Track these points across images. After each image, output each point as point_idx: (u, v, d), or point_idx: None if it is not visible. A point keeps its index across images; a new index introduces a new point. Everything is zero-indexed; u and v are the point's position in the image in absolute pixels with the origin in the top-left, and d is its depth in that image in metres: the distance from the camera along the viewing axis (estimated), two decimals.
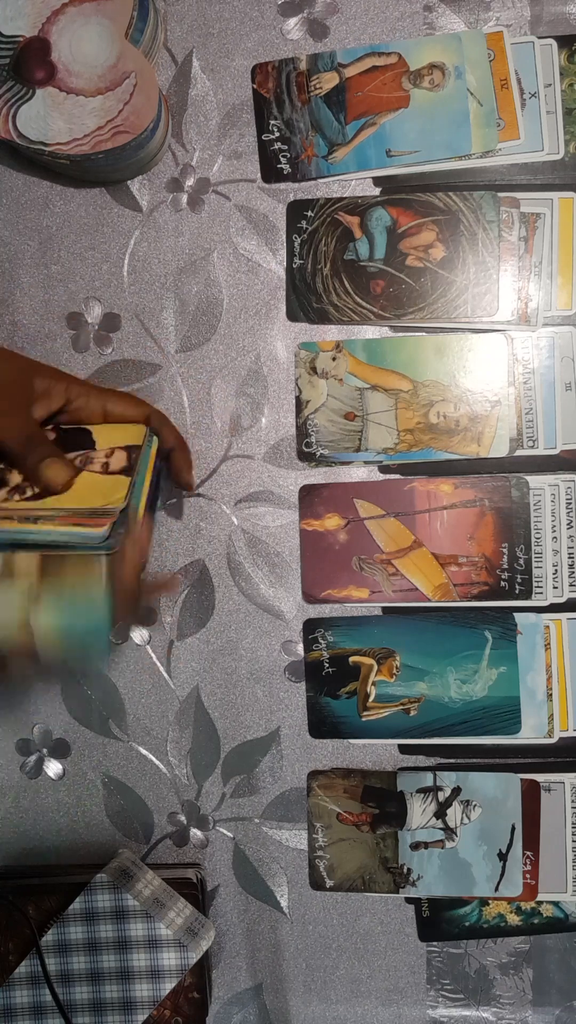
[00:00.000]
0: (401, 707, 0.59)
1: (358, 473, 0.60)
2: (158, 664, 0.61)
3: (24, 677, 0.51)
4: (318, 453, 0.59)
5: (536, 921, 0.59)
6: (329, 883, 0.60)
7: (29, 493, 0.47)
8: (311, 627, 0.60)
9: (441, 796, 0.59)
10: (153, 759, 0.61)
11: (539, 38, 0.57)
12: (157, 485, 0.56)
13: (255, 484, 0.60)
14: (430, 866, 0.59)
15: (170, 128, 0.60)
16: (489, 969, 0.60)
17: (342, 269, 0.59)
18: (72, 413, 0.51)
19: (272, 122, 0.59)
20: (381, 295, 0.59)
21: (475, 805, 0.59)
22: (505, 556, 0.58)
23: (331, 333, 0.60)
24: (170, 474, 0.56)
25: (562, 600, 0.58)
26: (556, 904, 0.59)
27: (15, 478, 0.48)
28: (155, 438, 0.54)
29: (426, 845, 0.59)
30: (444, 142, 0.58)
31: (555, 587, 0.58)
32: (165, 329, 0.60)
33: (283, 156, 0.59)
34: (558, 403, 0.58)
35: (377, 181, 0.59)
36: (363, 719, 0.59)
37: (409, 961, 0.60)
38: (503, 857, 0.58)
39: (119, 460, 0.49)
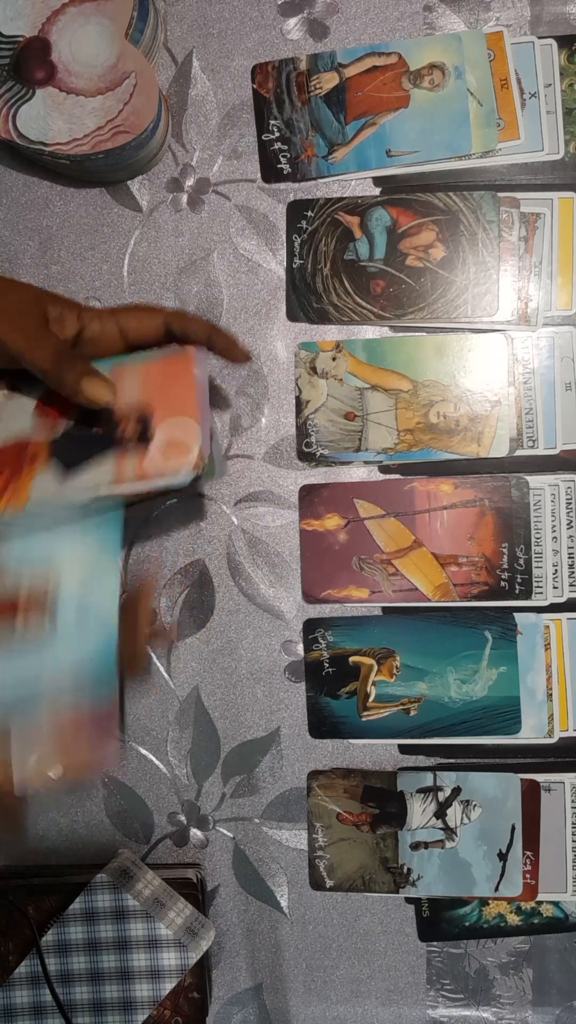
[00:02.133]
0: (401, 707, 0.59)
1: (358, 473, 0.60)
2: (158, 664, 0.61)
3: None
4: (318, 453, 0.59)
5: (536, 921, 0.59)
6: (329, 883, 0.60)
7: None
8: (311, 627, 0.60)
9: (441, 796, 0.59)
10: (153, 759, 0.61)
11: (539, 38, 0.57)
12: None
13: (255, 484, 0.60)
14: (430, 866, 0.59)
15: (170, 128, 0.60)
16: (489, 969, 0.60)
17: (342, 269, 0.59)
18: (89, 342, 0.48)
19: (272, 122, 0.59)
20: (381, 295, 0.59)
21: (475, 805, 0.59)
22: (505, 556, 0.58)
23: (331, 333, 0.60)
24: (222, 359, 0.51)
25: (562, 600, 0.58)
26: (556, 904, 0.59)
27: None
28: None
29: (426, 845, 0.59)
30: (444, 142, 0.58)
31: (555, 587, 0.58)
32: None
33: (283, 156, 0.59)
34: (558, 403, 0.58)
35: (377, 181, 0.59)
36: (363, 719, 0.59)
37: (409, 961, 0.60)
38: (503, 857, 0.58)
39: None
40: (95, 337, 0.48)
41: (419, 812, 0.59)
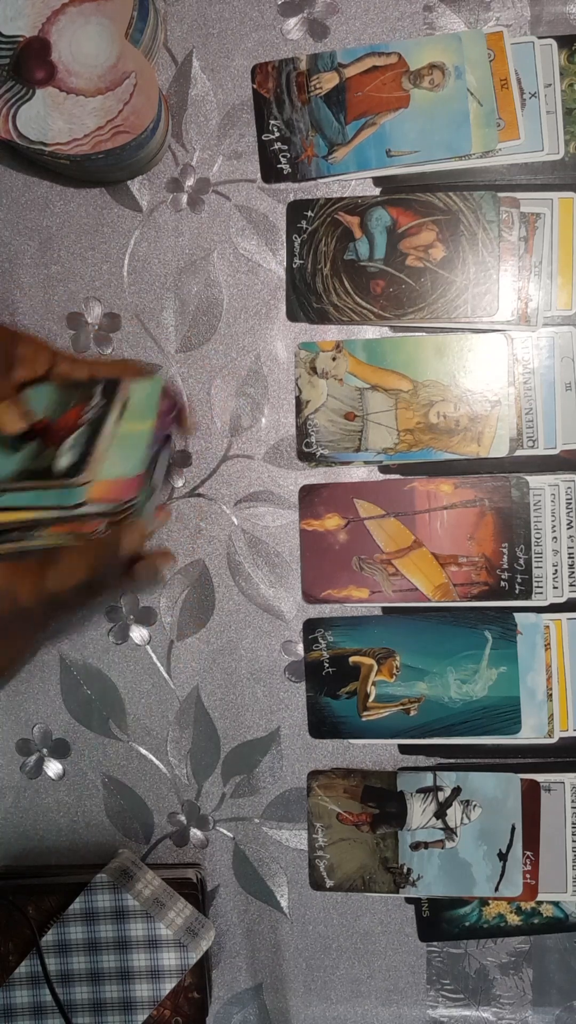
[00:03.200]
0: (401, 707, 0.59)
1: (358, 473, 0.60)
2: (158, 664, 0.61)
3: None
4: (318, 453, 0.59)
5: (536, 921, 0.59)
6: (329, 883, 0.60)
7: None
8: (311, 627, 0.60)
9: (441, 796, 0.59)
10: (153, 759, 0.61)
11: (539, 38, 0.57)
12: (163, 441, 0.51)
13: (255, 484, 0.60)
14: (430, 866, 0.59)
15: (170, 128, 0.60)
16: (489, 969, 0.60)
17: (342, 269, 0.59)
18: (56, 377, 0.48)
19: (272, 122, 0.59)
20: (381, 295, 0.59)
21: (475, 805, 0.59)
22: (505, 556, 0.58)
23: (331, 333, 0.60)
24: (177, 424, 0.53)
25: (562, 600, 0.58)
26: (556, 904, 0.59)
27: None
28: (156, 385, 0.49)
29: (426, 845, 0.59)
30: (444, 142, 0.58)
31: (555, 587, 0.58)
32: (165, 329, 0.60)
33: (283, 156, 0.59)
34: (558, 403, 0.58)
35: (377, 181, 0.59)
36: (363, 719, 0.59)
37: (409, 961, 0.60)
38: (503, 857, 0.58)
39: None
40: (61, 376, 0.48)
41: (419, 812, 0.59)
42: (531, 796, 0.58)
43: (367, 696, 0.59)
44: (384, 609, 0.60)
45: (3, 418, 0.45)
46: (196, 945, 0.56)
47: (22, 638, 0.48)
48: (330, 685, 0.60)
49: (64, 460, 0.44)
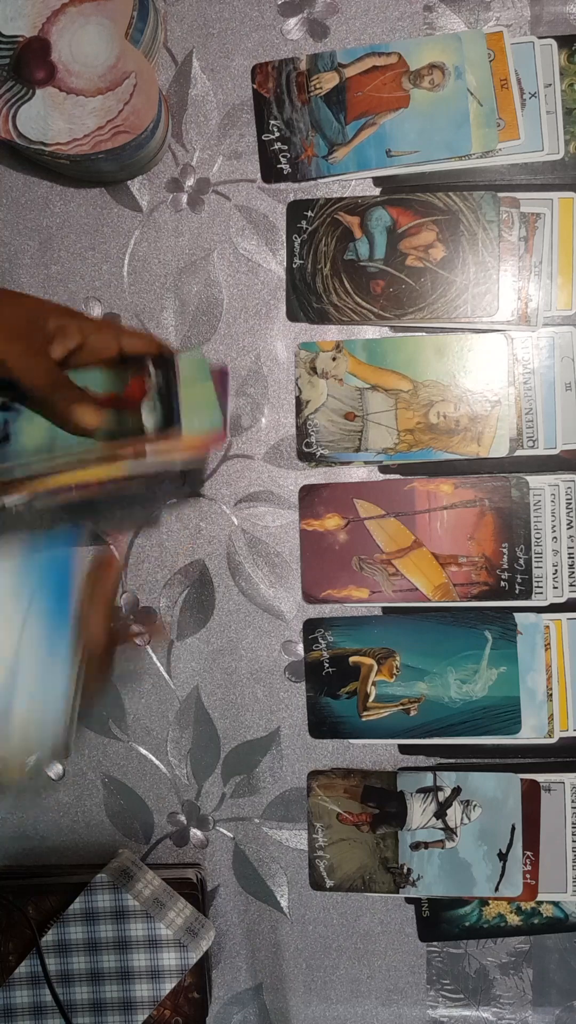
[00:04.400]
0: (401, 707, 0.59)
1: (358, 473, 0.60)
2: (158, 664, 0.61)
3: None
4: (318, 453, 0.59)
5: (536, 921, 0.59)
6: (329, 883, 0.60)
7: None
8: (311, 627, 0.60)
9: (441, 796, 0.59)
10: (153, 759, 0.61)
11: (539, 38, 0.57)
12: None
13: (255, 484, 0.60)
14: (430, 866, 0.59)
15: (170, 128, 0.60)
16: (489, 969, 0.60)
17: (342, 269, 0.59)
18: (88, 351, 0.49)
19: (272, 122, 0.59)
20: (381, 295, 0.59)
21: (475, 805, 0.59)
22: (505, 556, 0.58)
23: (331, 333, 0.60)
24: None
25: (562, 600, 0.58)
26: (556, 904, 0.59)
27: None
28: (199, 352, 0.51)
29: (426, 845, 0.59)
30: (444, 142, 0.58)
31: (555, 587, 0.58)
32: (165, 329, 0.60)
33: (283, 156, 0.59)
34: (558, 403, 0.58)
35: (377, 181, 0.59)
36: (363, 719, 0.59)
37: (409, 961, 0.60)
38: (503, 857, 0.58)
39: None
40: (94, 345, 0.48)
41: (419, 812, 0.59)
42: (531, 796, 0.58)
43: (367, 696, 0.59)
44: (384, 609, 0.60)
45: (84, 418, 0.46)
46: (196, 945, 0.56)
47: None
48: (330, 685, 0.60)
49: (150, 421, 0.48)
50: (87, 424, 0.46)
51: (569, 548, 0.58)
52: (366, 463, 0.59)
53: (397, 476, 0.59)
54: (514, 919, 0.59)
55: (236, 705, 0.60)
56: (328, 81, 0.59)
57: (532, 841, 0.58)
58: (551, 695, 0.58)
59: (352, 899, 0.60)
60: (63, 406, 0.46)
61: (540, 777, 0.58)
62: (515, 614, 0.58)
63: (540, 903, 0.59)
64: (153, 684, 0.61)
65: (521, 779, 0.58)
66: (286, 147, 0.59)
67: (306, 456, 0.60)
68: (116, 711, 0.61)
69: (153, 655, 0.61)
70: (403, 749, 0.60)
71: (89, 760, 0.61)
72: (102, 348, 0.49)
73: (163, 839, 0.61)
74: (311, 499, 0.60)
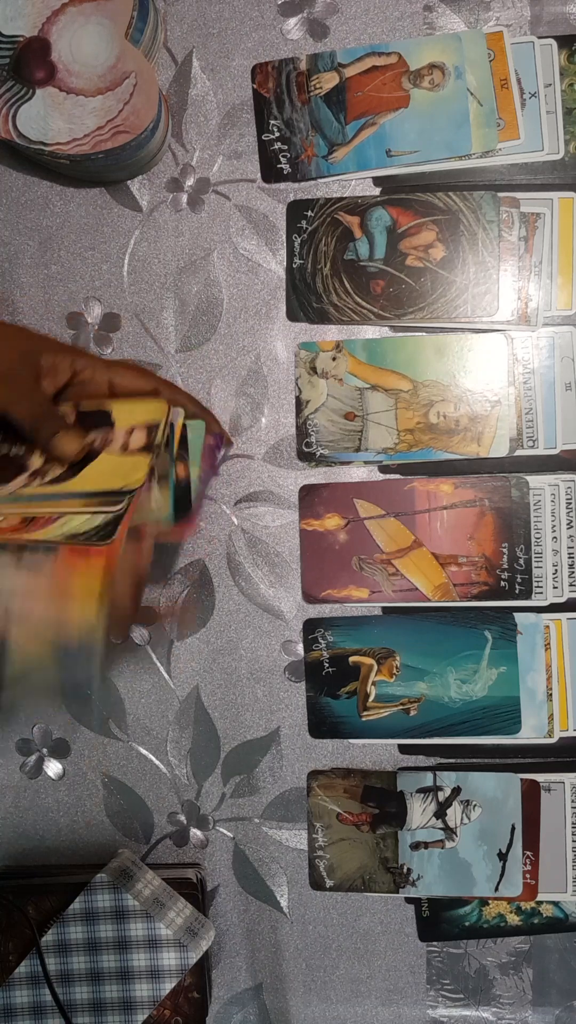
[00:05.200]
0: (401, 707, 0.59)
1: (358, 473, 0.60)
2: (158, 664, 0.61)
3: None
4: (318, 453, 0.59)
5: (536, 921, 0.59)
6: (329, 883, 0.60)
7: (50, 477, 0.47)
8: (311, 627, 0.60)
9: (441, 796, 0.59)
10: (153, 759, 0.61)
11: (539, 38, 0.57)
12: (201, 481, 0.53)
13: (255, 484, 0.60)
14: (430, 866, 0.59)
15: (170, 128, 0.60)
16: (489, 969, 0.60)
17: (342, 269, 0.59)
18: (79, 387, 0.50)
19: (272, 122, 0.59)
20: (381, 295, 0.59)
21: (475, 805, 0.59)
22: (505, 556, 0.58)
23: (331, 333, 0.60)
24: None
25: (562, 600, 0.58)
26: (556, 904, 0.59)
27: (35, 462, 0.47)
28: (201, 422, 0.51)
29: (426, 845, 0.59)
30: (444, 142, 0.58)
31: (555, 587, 0.58)
32: (165, 329, 0.60)
33: (283, 156, 0.59)
34: (558, 403, 0.58)
35: (377, 181, 0.59)
36: (363, 719, 0.59)
37: (409, 961, 0.60)
38: (503, 857, 0.58)
39: (139, 439, 0.48)
40: (84, 382, 0.49)
41: (419, 812, 0.59)
42: (531, 796, 0.58)
43: (367, 696, 0.59)
44: (384, 609, 0.60)
45: (64, 446, 0.47)
46: (196, 945, 0.56)
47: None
48: (330, 685, 0.60)
49: (160, 505, 0.48)
50: (66, 452, 0.47)
51: (569, 548, 0.58)
52: (366, 463, 0.59)
53: (397, 476, 0.59)
54: (514, 919, 0.59)
55: (236, 705, 0.60)
56: (328, 81, 0.59)
57: (532, 841, 0.58)
58: (551, 695, 0.58)
59: (352, 899, 0.60)
60: (46, 435, 0.47)
61: (540, 777, 0.58)
62: (515, 614, 0.58)
63: (540, 903, 0.59)
64: (153, 684, 0.61)
65: (521, 779, 0.58)
66: (286, 147, 0.59)
67: (306, 456, 0.60)
68: (116, 711, 0.61)
69: (153, 655, 0.61)
70: (403, 749, 0.60)
71: (89, 760, 0.61)
72: (92, 384, 0.50)
73: (163, 839, 0.61)
74: (311, 499, 0.60)
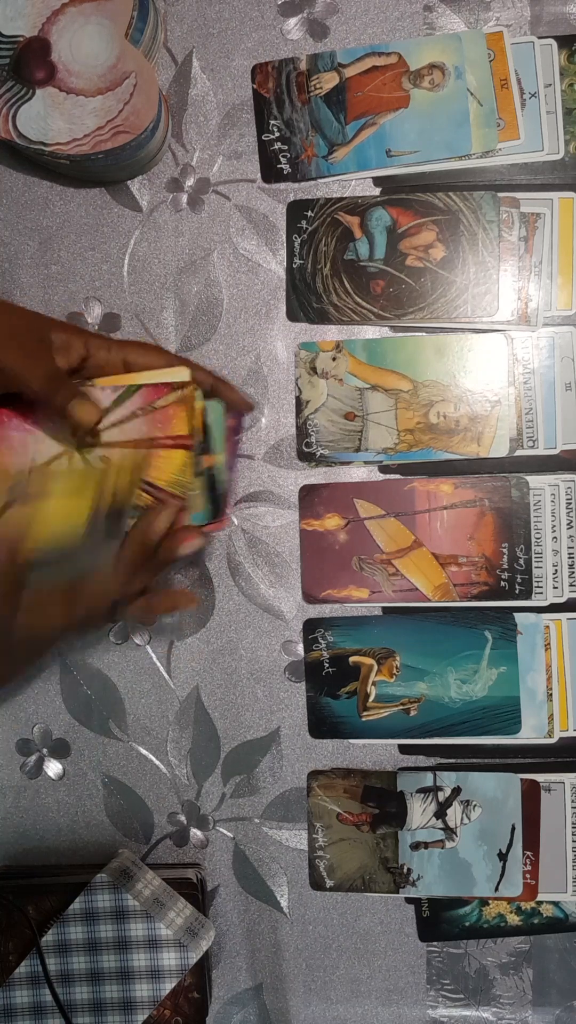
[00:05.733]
0: (401, 707, 0.59)
1: (358, 473, 0.60)
2: (158, 664, 0.61)
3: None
4: (318, 453, 0.59)
5: (536, 921, 0.59)
6: (329, 883, 0.60)
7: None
8: (311, 627, 0.60)
9: (441, 796, 0.59)
10: (153, 759, 0.61)
11: (539, 38, 0.57)
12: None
13: (255, 484, 0.60)
14: (430, 866, 0.59)
15: (170, 128, 0.60)
16: (489, 969, 0.60)
17: (342, 269, 0.59)
18: (93, 368, 0.49)
19: (272, 122, 0.59)
20: (381, 295, 0.59)
21: (475, 805, 0.59)
22: (505, 556, 0.58)
23: (331, 333, 0.60)
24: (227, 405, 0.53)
25: (562, 600, 0.58)
26: (556, 904, 0.59)
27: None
28: (219, 403, 0.51)
29: (426, 845, 0.59)
30: (444, 142, 0.58)
31: (555, 587, 0.58)
32: (165, 329, 0.60)
33: (283, 156, 0.59)
34: (558, 403, 0.58)
35: (377, 181, 0.59)
36: (363, 719, 0.59)
37: (409, 961, 0.60)
38: (503, 857, 0.58)
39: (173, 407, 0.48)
40: (98, 363, 0.49)
41: (419, 812, 0.59)
42: (531, 796, 0.58)
43: (367, 696, 0.59)
44: (384, 609, 0.60)
45: (81, 413, 0.46)
46: (196, 945, 0.56)
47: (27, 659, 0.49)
48: (330, 685, 0.60)
49: (199, 508, 0.49)
50: (84, 419, 0.46)
51: (569, 548, 0.58)
52: (366, 463, 0.59)
53: (397, 476, 0.59)
54: (514, 919, 0.59)
55: (236, 705, 0.60)
56: (328, 81, 0.59)
57: (532, 841, 0.58)
58: (551, 695, 0.58)
59: (352, 899, 0.60)
60: (61, 403, 0.46)
61: (540, 777, 0.58)
62: (515, 614, 0.58)
63: (540, 903, 0.59)
64: (153, 684, 0.61)
65: (521, 779, 0.58)
66: (286, 147, 0.59)
67: (306, 456, 0.60)
68: (116, 711, 0.61)
69: (153, 655, 0.61)
70: (403, 749, 0.60)
71: (89, 760, 0.61)
72: (107, 364, 0.49)
73: (163, 839, 0.61)
74: (311, 499, 0.60)
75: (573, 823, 0.58)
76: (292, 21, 0.59)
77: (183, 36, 0.60)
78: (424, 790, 0.59)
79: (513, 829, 0.58)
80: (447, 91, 0.58)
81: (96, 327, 0.60)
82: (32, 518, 0.44)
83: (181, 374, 0.48)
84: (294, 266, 0.59)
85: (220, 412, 0.51)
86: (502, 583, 0.58)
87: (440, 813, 0.59)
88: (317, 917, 0.60)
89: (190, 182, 0.60)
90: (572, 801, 0.58)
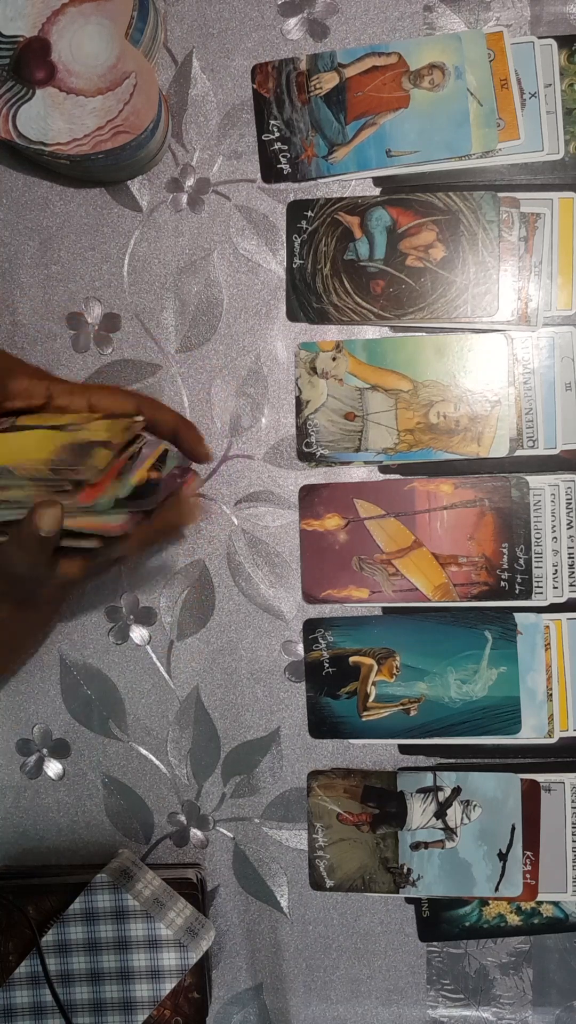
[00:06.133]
0: (401, 707, 0.59)
1: (358, 473, 0.60)
2: (158, 664, 0.61)
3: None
4: (318, 453, 0.59)
5: (536, 921, 0.59)
6: (329, 883, 0.60)
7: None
8: (311, 627, 0.60)
9: (441, 796, 0.59)
10: (153, 759, 0.61)
11: (539, 38, 0.57)
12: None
13: (255, 484, 0.60)
14: (430, 866, 0.59)
15: (170, 128, 0.60)
16: (489, 969, 0.60)
17: (342, 269, 0.59)
18: (56, 410, 0.49)
19: (272, 122, 0.59)
20: (381, 295, 0.59)
21: (475, 805, 0.59)
22: (505, 556, 0.58)
23: (331, 333, 0.60)
24: (185, 455, 0.52)
25: (562, 600, 0.58)
26: (556, 904, 0.59)
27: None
28: (174, 458, 0.51)
29: (426, 845, 0.59)
30: (444, 142, 0.58)
31: (555, 587, 0.58)
32: (165, 329, 0.60)
33: (283, 156, 0.59)
34: (558, 403, 0.58)
35: (377, 181, 0.59)
36: (363, 719, 0.59)
37: (409, 961, 0.60)
38: (503, 857, 0.58)
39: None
40: (62, 407, 0.49)
41: (419, 812, 0.59)
42: (531, 796, 0.58)
43: (367, 696, 0.59)
44: (384, 609, 0.60)
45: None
46: (196, 945, 0.56)
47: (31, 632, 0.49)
48: (330, 685, 0.60)
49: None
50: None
51: (569, 548, 0.58)
52: (366, 463, 0.59)
53: (397, 476, 0.59)
54: (514, 919, 0.59)
55: (236, 705, 0.60)
56: (328, 81, 0.59)
57: (532, 841, 0.58)
58: (551, 695, 0.58)
59: (352, 899, 0.60)
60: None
61: (540, 777, 0.58)
62: (515, 614, 0.58)
63: (540, 903, 0.59)
64: (153, 684, 0.61)
65: (521, 779, 0.58)
66: (286, 147, 0.59)
67: (306, 456, 0.60)
68: (116, 711, 0.61)
69: (153, 655, 0.61)
70: (403, 749, 0.60)
71: (89, 760, 0.61)
72: (70, 407, 0.49)
73: (163, 839, 0.61)
74: (311, 499, 0.60)
75: (573, 823, 0.58)
76: (292, 21, 0.59)
77: (183, 36, 0.60)
78: (424, 790, 0.59)
79: (513, 829, 0.58)
80: (447, 91, 0.58)
81: (96, 327, 0.60)
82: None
83: (119, 435, 0.47)
84: (294, 266, 0.59)
85: (173, 463, 0.50)
86: (502, 583, 0.58)
87: (440, 813, 0.59)
88: (317, 917, 0.60)
89: (190, 182, 0.60)
90: (572, 801, 0.58)
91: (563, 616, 0.58)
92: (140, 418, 0.48)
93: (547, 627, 0.58)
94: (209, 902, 0.61)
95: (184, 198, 0.60)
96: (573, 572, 0.58)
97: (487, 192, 0.58)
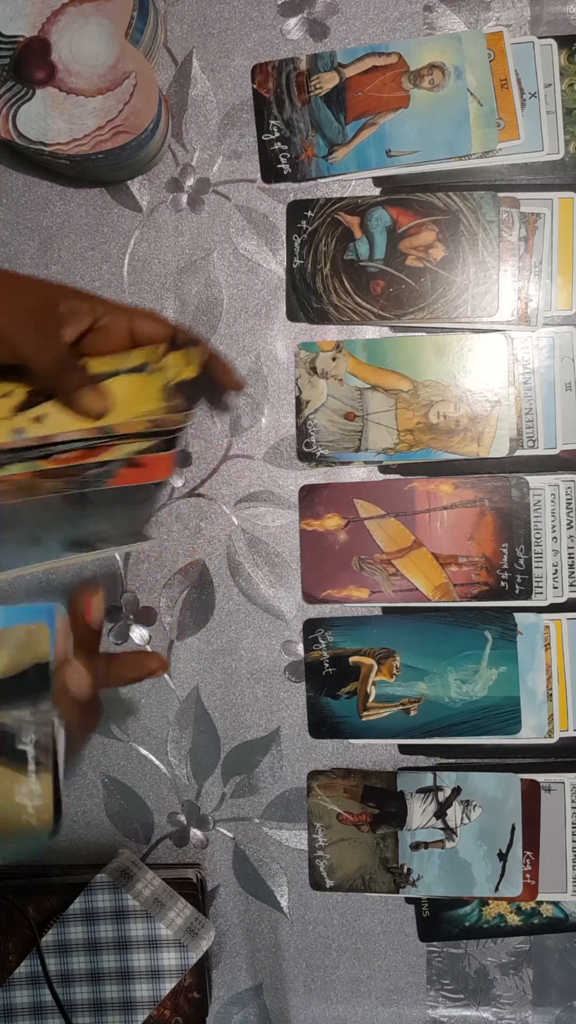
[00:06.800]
0: (401, 707, 0.59)
1: (358, 473, 0.60)
2: None
3: None
4: (318, 453, 0.59)
5: (536, 921, 0.59)
6: (329, 883, 0.60)
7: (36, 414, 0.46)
8: (311, 627, 0.60)
9: (441, 796, 0.59)
10: (153, 759, 0.61)
11: (539, 38, 0.57)
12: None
13: (255, 484, 0.60)
14: (430, 866, 0.59)
15: (170, 128, 0.60)
16: (489, 969, 0.60)
17: (342, 269, 0.59)
18: (100, 332, 0.48)
19: (272, 122, 0.59)
20: (381, 295, 0.59)
21: (475, 805, 0.59)
22: (505, 556, 0.58)
23: (331, 333, 0.60)
24: (216, 386, 0.52)
25: (562, 600, 0.58)
26: (556, 904, 0.59)
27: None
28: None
29: (426, 845, 0.59)
30: (444, 142, 0.58)
31: (555, 587, 0.58)
32: None
33: (283, 156, 0.59)
34: (558, 403, 0.58)
35: (377, 181, 0.59)
36: (363, 719, 0.59)
37: (409, 961, 0.60)
38: (503, 857, 0.58)
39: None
40: (105, 328, 0.48)
41: (419, 812, 0.59)
42: (531, 796, 0.58)
43: (367, 696, 0.59)
44: (384, 609, 0.60)
45: (90, 403, 0.46)
46: (196, 945, 0.56)
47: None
48: (330, 685, 0.60)
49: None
50: (93, 409, 0.46)
51: (569, 548, 0.58)
52: (366, 463, 0.59)
53: (397, 476, 0.59)
54: (514, 919, 0.59)
55: (236, 705, 0.60)
56: (328, 81, 0.59)
57: (532, 841, 0.58)
58: (551, 695, 0.58)
59: (352, 899, 0.60)
60: (69, 389, 0.46)
61: (540, 777, 0.58)
62: (515, 614, 0.58)
63: (540, 903, 0.59)
64: (153, 684, 0.61)
65: (521, 779, 0.58)
66: (286, 147, 0.59)
67: (306, 456, 0.60)
68: (116, 711, 0.61)
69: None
70: (403, 749, 0.60)
71: (89, 760, 0.61)
72: (114, 330, 0.48)
73: (163, 839, 0.61)
74: (311, 499, 0.60)
75: (573, 823, 0.58)
76: (292, 21, 0.59)
77: (183, 36, 0.60)
78: (424, 790, 0.59)
79: (513, 829, 0.58)
80: (447, 91, 0.58)
81: None
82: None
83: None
84: (294, 266, 0.59)
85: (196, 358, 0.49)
86: (502, 583, 0.58)
87: (440, 813, 0.59)
88: (317, 917, 0.60)
89: (190, 182, 0.60)
90: (572, 801, 0.58)
91: (563, 616, 0.58)
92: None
93: (547, 627, 0.58)
94: (209, 902, 0.61)
95: (184, 198, 0.60)
96: (573, 572, 0.58)
97: (487, 192, 0.58)
